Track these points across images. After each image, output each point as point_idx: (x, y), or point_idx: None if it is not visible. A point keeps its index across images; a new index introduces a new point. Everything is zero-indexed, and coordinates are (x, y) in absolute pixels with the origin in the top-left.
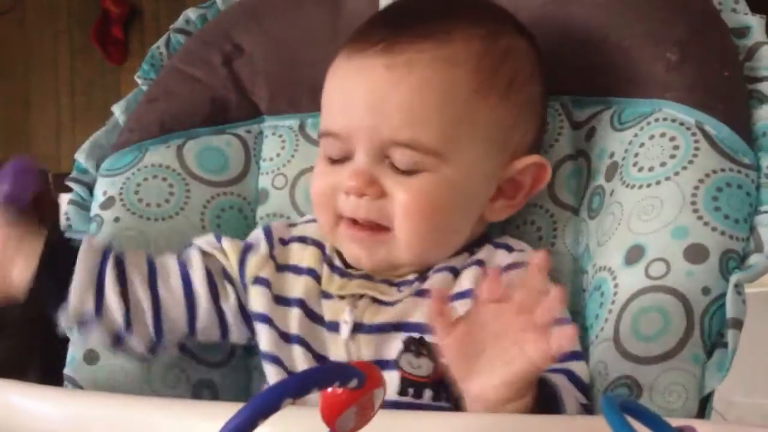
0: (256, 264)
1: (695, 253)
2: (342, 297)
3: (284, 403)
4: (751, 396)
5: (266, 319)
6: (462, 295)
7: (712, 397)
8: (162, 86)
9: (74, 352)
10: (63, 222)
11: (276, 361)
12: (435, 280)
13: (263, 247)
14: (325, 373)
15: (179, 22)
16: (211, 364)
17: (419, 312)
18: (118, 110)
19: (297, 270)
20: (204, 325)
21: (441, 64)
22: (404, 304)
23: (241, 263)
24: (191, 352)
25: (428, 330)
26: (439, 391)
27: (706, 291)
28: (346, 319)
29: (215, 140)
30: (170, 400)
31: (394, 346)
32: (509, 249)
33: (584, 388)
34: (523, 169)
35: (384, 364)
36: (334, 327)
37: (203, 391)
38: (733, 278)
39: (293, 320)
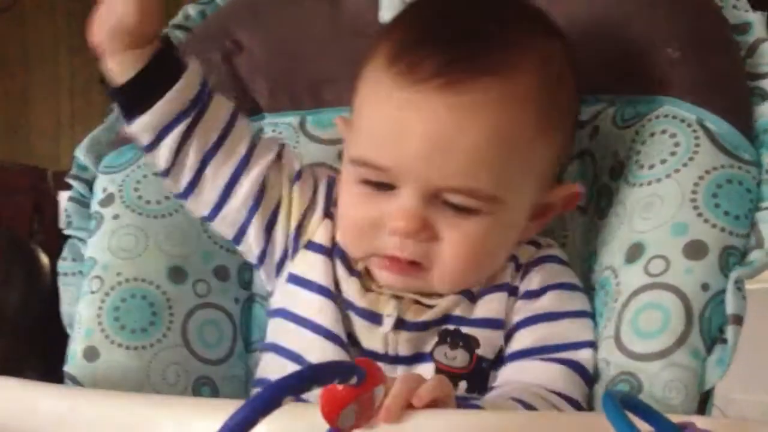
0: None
1: (694, 250)
2: (379, 293)
3: (285, 401)
4: (751, 393)
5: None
6: (496, 288)
7: (713, 393)
8: None
9: (74, 349)
10: (63, 219)
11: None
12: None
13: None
14: (326, 370)
15: (178, 18)
16: (210, 361)
17: (461, 307)
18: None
19: (350, 268)
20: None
21: (507, 106)
22: (446, 302)
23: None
24: (192, 349)
25: (466, 322)
26: (474, 382)
27: (705, 287)
28: (390, 312)
29: None
30: (170, 398)
31: (431, 339)
32: (537, 245)
33: (587, 377)
34: (558, 196)
35: (420, 358)
36: (374, 318)
37: (203, 388)
38: (733, 274)
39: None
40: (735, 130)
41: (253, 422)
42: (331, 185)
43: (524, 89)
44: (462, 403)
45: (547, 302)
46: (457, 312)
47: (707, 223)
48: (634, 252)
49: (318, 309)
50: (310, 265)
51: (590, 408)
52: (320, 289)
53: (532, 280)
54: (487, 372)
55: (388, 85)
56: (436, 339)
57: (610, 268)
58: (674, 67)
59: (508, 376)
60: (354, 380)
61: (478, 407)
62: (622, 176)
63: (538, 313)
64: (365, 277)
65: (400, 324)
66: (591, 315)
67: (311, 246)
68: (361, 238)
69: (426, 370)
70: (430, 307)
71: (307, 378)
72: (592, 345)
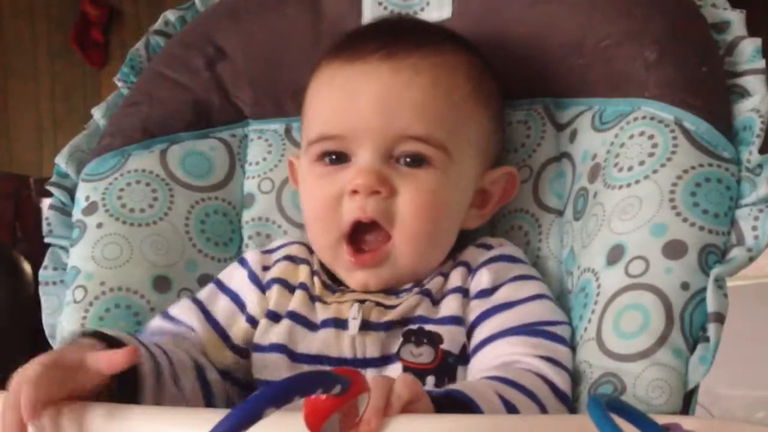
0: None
1: (673, 250)
2: (341, 302)
3: (267, 412)
4: (736, 388)
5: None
6: (452, 290)
7: (697, 392)
8: (143, 90)
9: None
10: (44, 228)
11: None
12: (432, 284)
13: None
14: (308, 380)
15: (158, 24)
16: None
17: (422, 307)
18: (98, 113)
19: (289, 287)
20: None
21: (442, 69)
22: (407, 303)
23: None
24: None
25: (428, 321)
26: (441, 376)
27: (685, 286)
28: (354, 315)
29: (199, 145)
30: (152, 409)
31: (397, 341)
32: (489, 247)
33: (562, 395)
34: (495, 179)
35: (388, 359)
36: (339, 324)
37: None
38: (713, 272)
39: (281, 332)
40: (713, 129)
41: None
42: (252, 270)
43: (455, 63)
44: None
45: (501, 295)
46: (419, 312)
47: (686, 223)
48: (615, 254)
49: (274, 366)
50: (265, 330)
51: (574, 411)
52: (274, 347)
53: (482, 280)
54: (454, 367)
55: (335, 68)
56: (401, 340)
57: (591, 271)
58: (652, 69)
59: (478, 365)
60: (337, 389)
61: (463, 395)
62: (600, 179)
63: (494, 305)
64: (328, 296)
65: (365, 326)
66: (551, 299)
67: (269, 314)
68: (330, 216)
69: (395, 370)
70: (391, 307)
71: (290, 388)
72: (565, 323)
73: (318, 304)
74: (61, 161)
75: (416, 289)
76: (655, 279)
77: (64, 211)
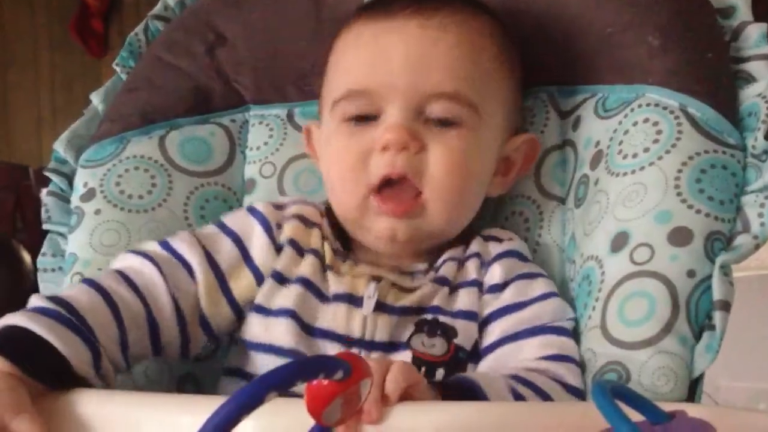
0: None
1: (679, 237)
2: (355, 276)
3: (269, 397)
4: (737, 380)
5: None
6: (468, 283)
7: (702, 380)
8: (143, 75)
9: None
10: (43, 214)
11: (263, 347)
12: (446, 270)
13: (264, 239)
14: (310, 364)
15: (158, 9)
16: (194, 358)
17: (439, 297)
18: (96, 99)
19: (299, 250)
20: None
21: (469, 29)
22: (423, 291)
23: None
24: None
25: (444, 313)
26: (451, 371)
27: (691, 274)
28: (370, 294)
29: (199, 130)
30: (152, 395)
31: (408, 329)
32: (499, 240)
33: (575, 390)
34: (518, 146)
35: (396, 346)
36: (353, 301)
37: (186, 385)
38: (719, 260)
39: (290, 296)
40: (719, 115)
41: (237, 418)
42: (266, 221)
43: (481, 24)
44: (450, 379)
45: (509, 295)
46: (436, 302)
47: (691, 209)
48: (619, 241)
49: (280, 331)
50: (273, 294)
51: (580, 398)
52: (283, 312)
53: (494, 275)
54: (465, 363)
55: (361, 26)
56: (412, 329)
57: (594, 258)
58: (656, 56)
59: (487, 366)
60: (339, 375)
61: (471, 381)
62: (604, 165)
63: (505, 305)
64: (340, 266)
65: (379, 307)
66: (557, 295)
67: (275, 275)
68: (357, 175)
69: (402, 358)
70: (408, 291)
71: (292, 373)
72: (572, 318)
73: (330, 274)
74: (60, 147)
75: (431, 273)
76: (660, 266)
77: (63, 197)
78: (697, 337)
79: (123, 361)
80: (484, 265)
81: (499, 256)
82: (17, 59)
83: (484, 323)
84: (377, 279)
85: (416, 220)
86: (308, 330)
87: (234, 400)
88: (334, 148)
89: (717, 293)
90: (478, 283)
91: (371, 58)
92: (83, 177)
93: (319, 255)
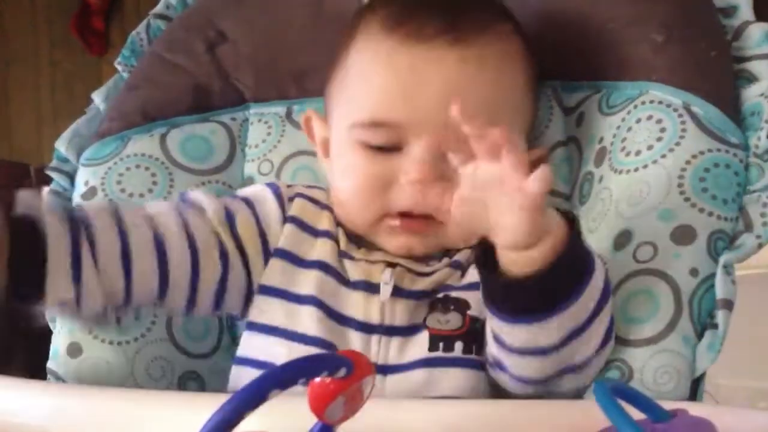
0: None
1: (682, 235)
2: (370, 261)
3: (271, 395)
4: (737, 379)
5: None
6: None
7: (704, 379)
8: (143, 74)
9: (57, 345)
10: None
11: (279, 332)
12: (461, 255)
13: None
14: (313, 362)
15: (159, 7)
16: (196, 356)
17: (453, 278)
18: (98, 98)
19: (313, 231)
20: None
21: (505, 60)
22: (439, 274)
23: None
24: (177, 343)
25: (454, 289)
26: (469, 342)
27: (694, 272)
28: (387, 281)
29: (199, 128)
30: (155, 392)
31: (424, 310)
32: None
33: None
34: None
35: (415, 329)
36: (370, 288)
37: (189, 383)
38: (722, 259)
39: (310, 281)
40: (722, 114)
41: (240, 416)
42: (279, 192)
43: (514, 49)
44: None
45: None
46: (448, 282)
47: (695, 208)
48: (622, 239)
49: (305, 319)
50: (277, 272)
51: (580, 396)
52: (306, 299)
53: None
54: (482, 332)
55: (394, 47)
56: (427, 309)
57: (597, 256)
58: (659, 52)
59: None
60: (342, 372)
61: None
62: (607, 163)
63: None
64: (354, 251)
65: (396, 292)
66: None
67: (277, 253)
68: (372, 196)
69: (422, 339)
70: (423, 275)
71: (293, 371)
72: None
73: (346, 261)
74: (61, 146)
75: (446, 260)
76: (663, 265)
77: (64, 196)
78: (700, 335)
79: (123, 291)
80: None
81: None
82: (18, 57)
83: None
84: (392, 265)
85: (434, 237)
86: (333, 316)
87: (236, 398)
88: (351, 167)
89: (720, 292)
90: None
91: (405, 90)
92: (84, 175)
93: (334, 238)
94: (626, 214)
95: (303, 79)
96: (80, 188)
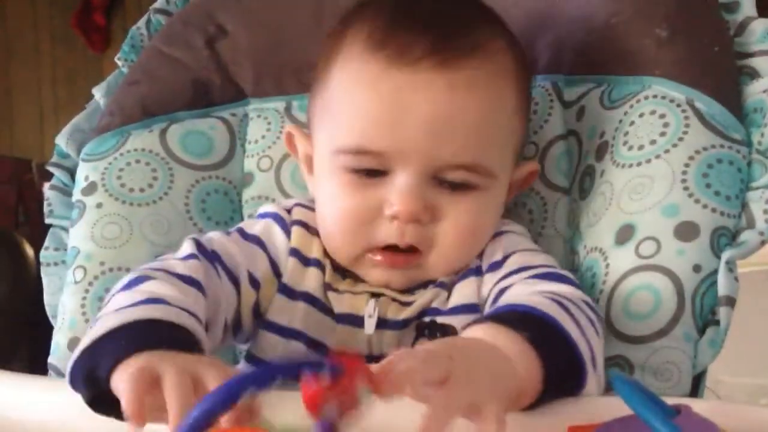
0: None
1: (686, 231)
2: (354, 293)
3: (244, 396)
4: (738, 375)
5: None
6: (464, 275)
7: (705, 375)
8: (143, 68)
9: (58, 340)
10: (45, 208)
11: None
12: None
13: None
14: (286, 365)
15: (160, 2)
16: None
17: (437, 300)
18: (98, 93)
19: (305, 260)
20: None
21: (496, 80)
22: (424, 298)
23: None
24: None
25: (441, 313)
26: None
27: (697, 269)
28: (371, 313)
29: (199, 124)
30: None
31: (411, 336)
32: (499, 233)
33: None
34: (522, 175)
35: None
36: (354, 321)
37: None
38: (725, 255)
39: (298, 315)
40: (724, 109)
41: (212, 416)
42: (284, 223)
43: (504, 69)
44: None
45: (512, 262)
46: (434, 304)
47: (698, 204)
48: (625, 234)
49: (290, 349)
50: (282, 309)
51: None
52: (294, 333)
53: (495, 253)
54: None
55: (379, 68)
56: (414, 334)
57: (598, 250)
58: (663, 47)
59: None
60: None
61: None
62: (609, 157)
63: (508, 271)
64: (339, 282)
65: (381, 324)
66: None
67: (281, 288)
68: (357, 229)
69: None
70: (408, 304)
71: (266, 374)
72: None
73: (330, 293)
74: (62, 141)
75: (431, 285)
76: (667, 260)
77: (65, 191)
78: (701, 332)
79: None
80: (482, 252)
81: (497, 235)
82: (19, 53)
83: (486, 298)
84: (377, 295)
85: (414, 270)
86: (322, 351)
87: (209, 398)
88: (335, 196)
89: (722, 289)
90: (473, 270)
91: (391, 117)
92: (85, 170)
93: (322, 268)
94: (628, 209)
95: (302, 75)
96: (81, 183)
